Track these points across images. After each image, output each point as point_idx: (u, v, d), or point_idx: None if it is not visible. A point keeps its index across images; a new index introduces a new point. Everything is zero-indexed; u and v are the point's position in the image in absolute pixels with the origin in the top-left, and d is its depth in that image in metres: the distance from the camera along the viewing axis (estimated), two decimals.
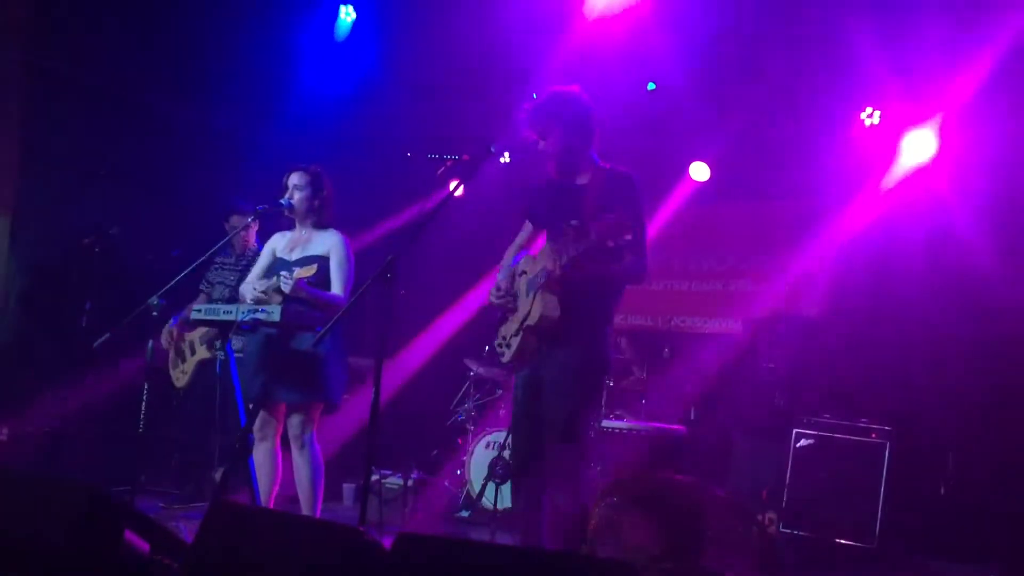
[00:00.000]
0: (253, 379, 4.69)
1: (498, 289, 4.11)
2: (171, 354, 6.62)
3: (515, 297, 4.06)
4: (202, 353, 6.54)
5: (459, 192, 4.02)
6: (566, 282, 3.79)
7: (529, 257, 4.09)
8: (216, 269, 6.53)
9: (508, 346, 4.04)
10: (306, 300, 4.63)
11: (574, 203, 3.89)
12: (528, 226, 4.31)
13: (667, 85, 7.02)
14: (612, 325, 4.06)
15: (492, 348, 7.45)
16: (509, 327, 4.08)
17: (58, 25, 6.23)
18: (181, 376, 6.60)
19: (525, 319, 3.93)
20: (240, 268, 6.39)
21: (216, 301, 6.34)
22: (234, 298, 6.27)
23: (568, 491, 3.87)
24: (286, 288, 4.51)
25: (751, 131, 7.38)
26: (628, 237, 3.49)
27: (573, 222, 3.65)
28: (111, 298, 6.58)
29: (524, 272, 4.07)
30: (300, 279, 4.53)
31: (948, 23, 5.95)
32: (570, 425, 3.88)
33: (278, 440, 4.86)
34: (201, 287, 6.55)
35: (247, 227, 6.13)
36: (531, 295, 3.92)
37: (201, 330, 6.52)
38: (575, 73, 6.98)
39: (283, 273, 4.56)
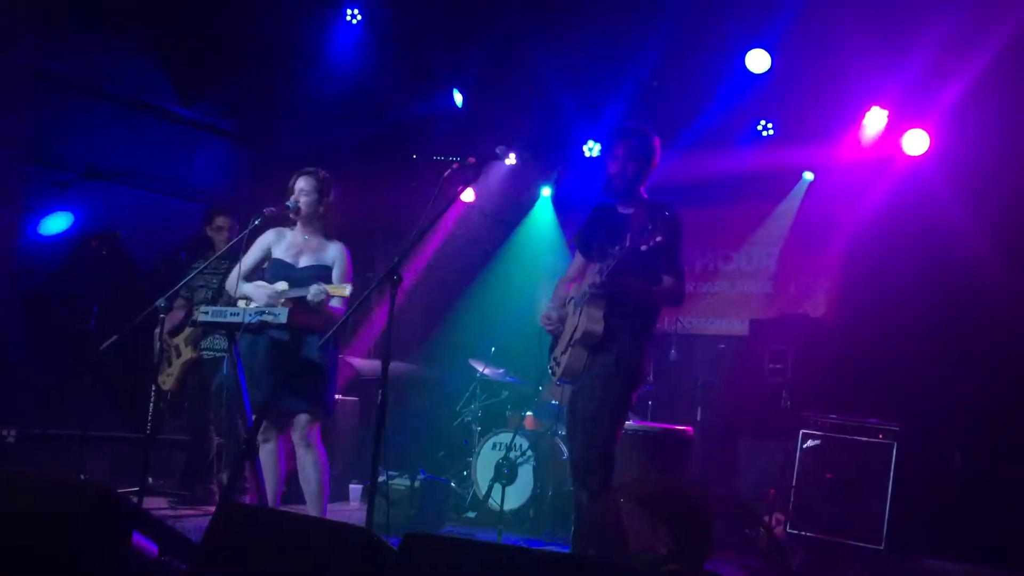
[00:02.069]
0: (259, 383, 4.68)
1: (549, 318, 4.46)
2: (156, 358, 6.60)
3: (563, 322, 4.42)
4: (188, 354, 6.54)
5: (467, 195, 4.13)
6: (608, 295, 4.11)
7: (578, 286, 4.43)
8: (196, 273, 6.45)
9: (559, 364, 4.36)
10: (314, 308, 4.64)
11: (619, 230, 4.17)
12: (579, 258, 4.61)
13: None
14: (652, 340, 4.33)
15: (499, 349, 7.54)
16: (559, 348, 4.42)
17: (65, 26, 6.24)
18: (167, 379, 6.58)
19: (572, 334, 4.24)
20: (222, 271, 6.20)
21: (200, 303, 6.30)
22: (216, 300, 6.26)
23: (593, 491, 4.09)
24: (317, 300, 4.54)
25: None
26: (659, 239, 3.85)
27: (616, 247, 4.03)
28: (118, 301, 6.60)
29: (572, 298, 4.42)
30: (328, 296, 4.56)
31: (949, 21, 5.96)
32: (595, 427, 4.12)
33: (280, 441, 4.86)
34: (182, 293, 6.47)
35: (255, 230, 5.94)
36: (577, 311, 4.25)
37: (186, 332, 6.52)
38: (578, 77, 7.02)
39: (319, 286, 4.56)
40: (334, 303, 4.71)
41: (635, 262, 4.01)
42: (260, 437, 4.76)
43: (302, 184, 4.91)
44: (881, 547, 5.79)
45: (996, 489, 6.04)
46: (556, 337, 4.49)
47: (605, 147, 4.61)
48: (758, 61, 6.86)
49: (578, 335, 4.18)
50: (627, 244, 3.93)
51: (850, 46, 6.37)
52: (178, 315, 6.50)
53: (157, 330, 6.40)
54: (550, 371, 4.50)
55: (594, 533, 3.98)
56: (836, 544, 5.92)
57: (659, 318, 4.39)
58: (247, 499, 5.52)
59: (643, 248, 3.88)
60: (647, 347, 4.29)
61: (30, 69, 5.85)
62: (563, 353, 4.31)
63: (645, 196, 4.41)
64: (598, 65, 7.17)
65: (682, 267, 4.25)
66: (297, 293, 4.64)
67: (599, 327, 4.12)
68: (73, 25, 6.33)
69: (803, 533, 6.03)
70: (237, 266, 4.86)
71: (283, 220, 4.99)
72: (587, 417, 4.17)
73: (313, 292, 4.54)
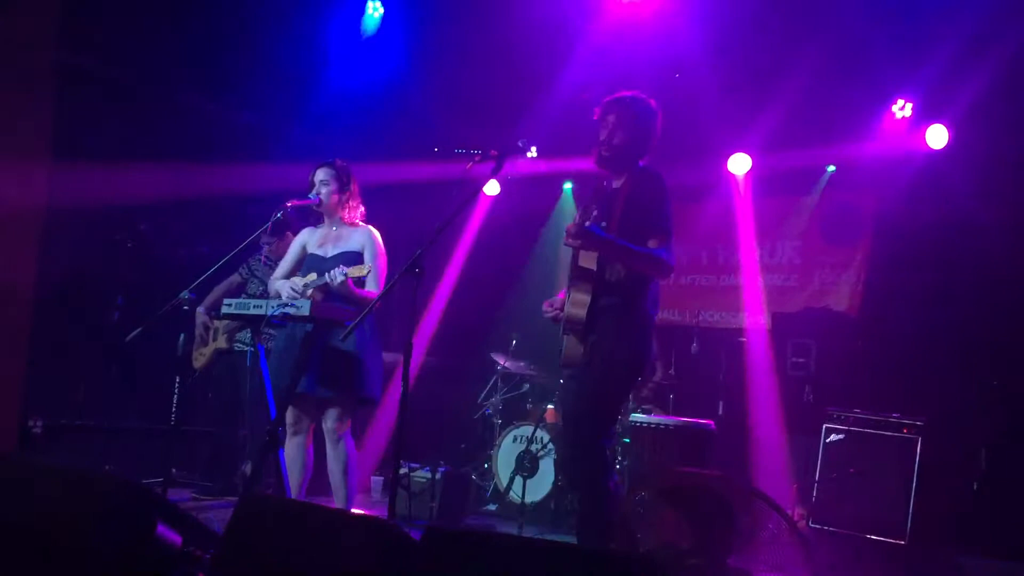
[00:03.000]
0: (285, 373, 4.71)
1: (551, 304, 4.23)
2: (199, 332, 6.69)
3: (563, 307, 4.18)
4: (221, 343, 6.61)
5: (491, 188, 4.08)
6: (592, 279, 3.89)
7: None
8: (259, 263, 6.59)
9: (560, 350, 4.12)
10: (344, 296, 4.65)
11: (609, 205, 3.99)
12: None
13: (695, 76, 6.98)
14: (644, 321, 4.03)
15: (520, 342, 7.54)
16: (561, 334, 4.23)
17: (88, 22, 6.28)
18: (199, 358, 6.68)
19: (564, 321, 4.03)
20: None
21: (250, 295, 6.41)
22: (265, 294, 6.35)
23: (583, 483, 3.94)
24: (337, 282, 4.54)
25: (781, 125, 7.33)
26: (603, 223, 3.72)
27: (603, 223, 3.82)
28: (142, 293, 6.66)
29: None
30: (350, 278, 4.57)
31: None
32: (577, 420, 3.95)
33: (310, 434, 4.88)
34: (240, 271, 6.60)
35: (277, 223, 6.01)
36: (568, 297, 4.04)
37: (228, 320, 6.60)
38: (602, 68, 6.99)
39: (338, 269, 4.58)
40: (370, 287, 4.74)
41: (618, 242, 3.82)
42: (290, 429, 4.79)
43: (321, 175, 4.94)
44: (905, 542, 5.76)
45: (1021, 484, 5.98)
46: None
47: (598, 116, 4.28)
48: None
49: (564, 320, 4.00)
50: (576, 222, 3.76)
51: (874, 38, 6.31)
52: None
53: (201, 308, 6.50)
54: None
55: (598, 533, 3.84)
56: (859, 539, 5.89)
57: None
58: (270, 491, 5.56)
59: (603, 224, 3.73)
60: (638, 330, 4.00)
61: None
62: (561, 340, 4.11)
63: (638, 166, 4.13)
64: None
65: (668, 232, 3.94)
66: (319, 282, 4.66)
67: (581, 312, 3.90)
68: (104, 21, 6.39)
69: (826, 528, 6.00)
70: (280, 267, 5.03)
71: (310, 216, 5.05)
72: (570, 410, 4.03)
73: (330, 276, 4.55)
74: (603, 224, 3.84)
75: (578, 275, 3.94)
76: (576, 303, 3.91)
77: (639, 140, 4.11)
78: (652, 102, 4.19)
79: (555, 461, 6.63)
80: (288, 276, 4.96)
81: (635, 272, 3.96)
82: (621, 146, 4.08)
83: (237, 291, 6.64)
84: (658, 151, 4.22)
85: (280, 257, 6.15)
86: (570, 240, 3.84)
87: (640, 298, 4.00)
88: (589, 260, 3.94)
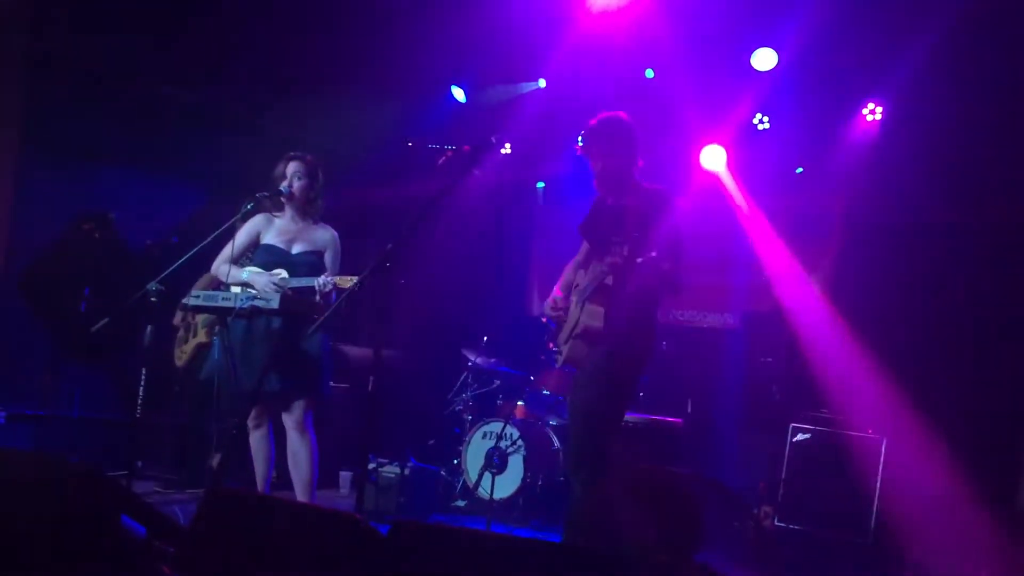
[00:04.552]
0: (251, 367, 4.68)
1: (555, 303, 4.43)
2: (180, 332, 6.64)
3: (567, 311, 4.38)
4: (201, 337, 6.56)
5: (463, 181, 4.10)
6: (610, 294, 4.06)
7: (583, 272, 4.38)
8: (187, 258, 6.50)
9: (560, 352, 4.32)
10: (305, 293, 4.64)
11: (618, 221, 4.08)
12: (586, 244, 4.54)
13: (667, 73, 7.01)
14: (652, 333, 4.28)
15: (491, 339, 7.54)
16: (562, 336, 4.37)
17: (58, 11, 6.21)
18: (181, 355, 6.62)
19: (574, 328, 4.19)
20: None
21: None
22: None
23: (585, 483, 4.05)
24: (324, 289, 4.53)
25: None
26: (653, 254, 3.81)
27: (616, 240, 3.95)
28: (110, 283, 6.59)
29: (577, 285, 4.38)
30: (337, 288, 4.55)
31: None
32: (587, 419, 4.10)
33: (270, 426, 4.87)
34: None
35: (247, 214, 5.94)
36: (579, 306, 4.20)
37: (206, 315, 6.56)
38: (577, 67, 7.01)
39: (324, 277, 4.56)
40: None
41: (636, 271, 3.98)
42: (252, 423, 4.77)
43: (294, 168, 4.87)
44: (868, 542, 5.82)
45: (983, 485, 6.06)
46: (560, 323, 4.46)
47: (580, 152, 4.47)
48: (764, 60, 6.88)
49: (579, 330, 4.16)
50: (626, 254, 3.86)
51: (850, 41, 6.36)
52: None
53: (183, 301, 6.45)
54: (556, 358, 4.47)
55: (584, 525, 3.97)
56: (824, 538, 5.94)
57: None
58: (236, 483, 5.53)
59: (639, 260, 3.84)
60: (646, 341, 4.25)
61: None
62: (565, 343, 4.30)
63: (643, 183, 4.30)
64: None
65: (680, 250, 4.17)
66: (303, 283, 4.62)
67: (599, 324, 4.08)
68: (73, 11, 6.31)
69: (791, 526, 6.05)
70: (226, 249, 4.82)
71: (270, 206, 4.95)
72: (580, 410, 4.17)
73: (321, 283, 4.53)
74: (616, 240, 3.96)
75: (596, 289, 4.11)
76: (593, 315, 4.09)
77: (620, 157, 4.26)
78: (620, 115, 4.33)
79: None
80: (235, 260, 4.82)
81: (649, 289, 4.15)
82: (606, 172, 4.26)
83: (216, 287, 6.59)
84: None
85: None
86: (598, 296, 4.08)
87: (654, 309, 4.27)
88: (608, 277, 4.09)
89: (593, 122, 4.35)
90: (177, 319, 6.59)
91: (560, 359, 4.33)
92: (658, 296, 4.28)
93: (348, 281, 4.54)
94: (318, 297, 4.55)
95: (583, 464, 4.09)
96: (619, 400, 4.24)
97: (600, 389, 4.10)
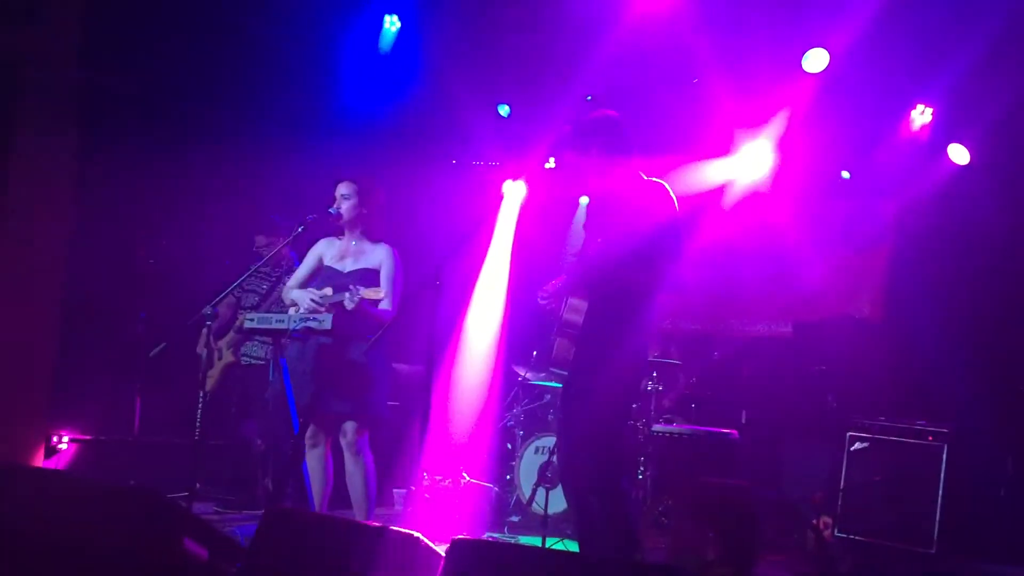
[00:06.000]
0: (305, 388, 4.74)
1: (546, 292, 4.19)
2: (203, 356, 6.73)
3: (557, 298, 4.19)
4: (227, 357, 6.66)
5: (515, 196, 4.12)
6: (589, 287, 3.95)
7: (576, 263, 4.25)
8: (240, 281, 6.60)
9: (550, 349, 4.14)
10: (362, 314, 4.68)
11: (603, 216, 4.05)
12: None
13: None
14: (642, 331, 4.05)
15: (541, 353, 7.53)
16: (554, 333, 4.20)
17: (108, 42, 6.34)
18: (209, 380, 6.69)
19: (559, 322, 4.07)
20: (274, 278, 6.55)
21: (246, 308, 6.45)
22: (260, 305, 6.46)
23: (584, 492, 3.87)
24: (350, 306, 4.56)
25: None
26: (599, 240, 3.77)
27: (599, 239, 3.91)
28: (165, 308, 6.70)
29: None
30: (364, 300, 4.58)
31: None
32: (570, 427, 3.96)
33: (328, 446, 4.91)
34: (235, 293, 6.60)
35: (296, 238, 6.06)
36: (563, 300, 4.08)
37: (228, 336, 6.65)
38: (617, 79, 6.99)
39: (351, 290, 4.59)
40: (383, 306, 4.75)
41: (608, 254, 3.85)
42: (308, 442, 4.82)
43: (343, 190, 5.01)
44: (932, 550, 5.70)
45: None
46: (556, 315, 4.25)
47: (570, 150, 4.36)
48: (816, 61, 6.77)
49: (560, 323, 4.02)
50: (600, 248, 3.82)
51: (898, 42, 6.26)
52: (226, 314, 6.63)
53: (204, 330, 6.53)
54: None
55: (605, 536, 3.71)
56: (886, 548, 5.83)
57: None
58: (293, 503, 5.58)
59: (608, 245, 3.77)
60: (633, 337, 3.97)
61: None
62: (553, 340, 4.11)
63: (638, 178, 4.11)
64: None
65: (663, 245, 3.91)
66: (335, 299, 4.69)
67: (578, 318, 3.93)
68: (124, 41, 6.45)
69: (852, 536, 5.95)
70: (296, 273, 5.07)
71: (334, 229, 5.09)
72: (564, 416, 4.04)
73: (347, 298, 4.58)
74: (599, 240, 3.93)
75: (575, 283, 4.00)
76: (574, 309, 3.95)
77: (612, 155, 4.09)
78: (599, 114, 4.25)
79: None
80: (303, 286, 4.98)
81: (638, 283, 3.95)
82: (609, 165, 4.08)
83: (234, 309, 6.68)
84: (650, 142, 4.26)
85: (277, 262, 6.27)
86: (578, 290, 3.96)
87: (641, 307, 3.99)
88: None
89: (568, 127, 4.29)
90: (201, 345, 6.63)
91: (550, 358, 4.12)
92: (641, 292, 3.97)
93: (375, 293, 4.58)
94: (349, 306, 4.56)
95: (577, 475, 3.89)
96: (611, 404, 3.95)
97: (589, 393, 3.89)
